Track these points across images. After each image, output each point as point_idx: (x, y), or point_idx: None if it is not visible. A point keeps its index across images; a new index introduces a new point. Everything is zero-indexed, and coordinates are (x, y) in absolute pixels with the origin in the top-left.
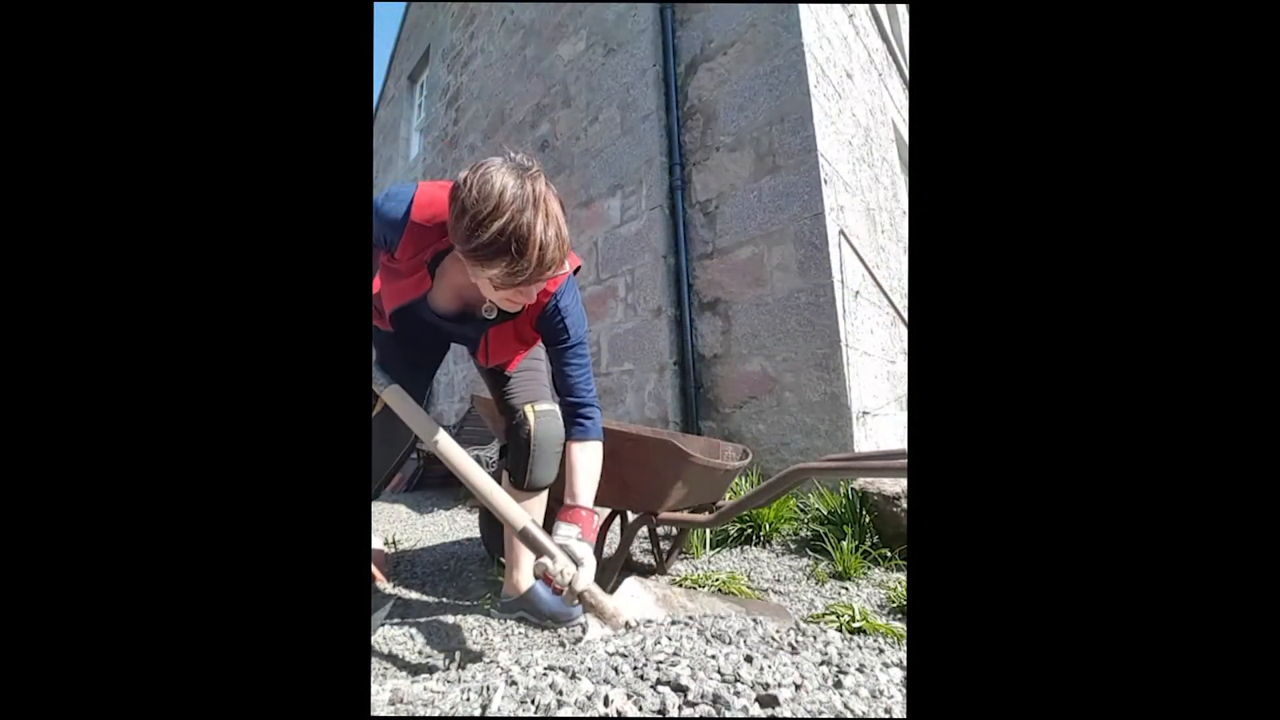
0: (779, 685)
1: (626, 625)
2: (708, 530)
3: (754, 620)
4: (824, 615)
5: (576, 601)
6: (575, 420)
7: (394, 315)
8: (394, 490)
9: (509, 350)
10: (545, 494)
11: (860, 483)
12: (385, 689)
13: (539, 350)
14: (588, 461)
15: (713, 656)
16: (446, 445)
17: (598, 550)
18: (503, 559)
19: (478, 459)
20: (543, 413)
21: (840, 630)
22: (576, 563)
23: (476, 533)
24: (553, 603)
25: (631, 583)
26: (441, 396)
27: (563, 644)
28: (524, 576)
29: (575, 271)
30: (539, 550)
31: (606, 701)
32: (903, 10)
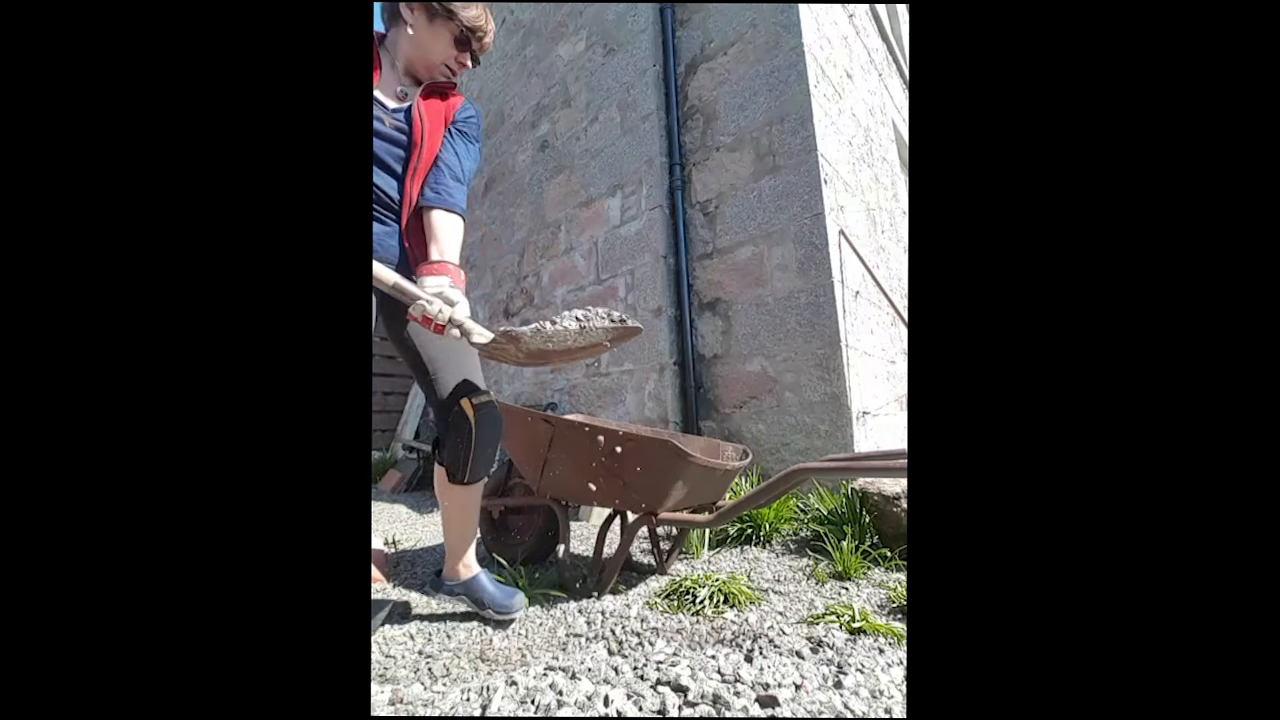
0: (779, 685)
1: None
2: (708, 530)
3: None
4: (824, 615)
5: (457, 334)
6: (436, 188)
7: None
8: (394, 490)
9: (433, 120)
10: (482, 483)
11: (860, 483)
12: (385, 689)
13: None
14: (449, 226)
15: (713, 656)
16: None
17: (596, 550)
18: (501, 559)
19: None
20: (481, 405)
21: (840, 630)
22: (451, 304)
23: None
24: (496, 594)
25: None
26: None
27: (564, 648)
28: (467, 564)
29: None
30: (413, 297)
31: (606, 701)
32: (903, 10)
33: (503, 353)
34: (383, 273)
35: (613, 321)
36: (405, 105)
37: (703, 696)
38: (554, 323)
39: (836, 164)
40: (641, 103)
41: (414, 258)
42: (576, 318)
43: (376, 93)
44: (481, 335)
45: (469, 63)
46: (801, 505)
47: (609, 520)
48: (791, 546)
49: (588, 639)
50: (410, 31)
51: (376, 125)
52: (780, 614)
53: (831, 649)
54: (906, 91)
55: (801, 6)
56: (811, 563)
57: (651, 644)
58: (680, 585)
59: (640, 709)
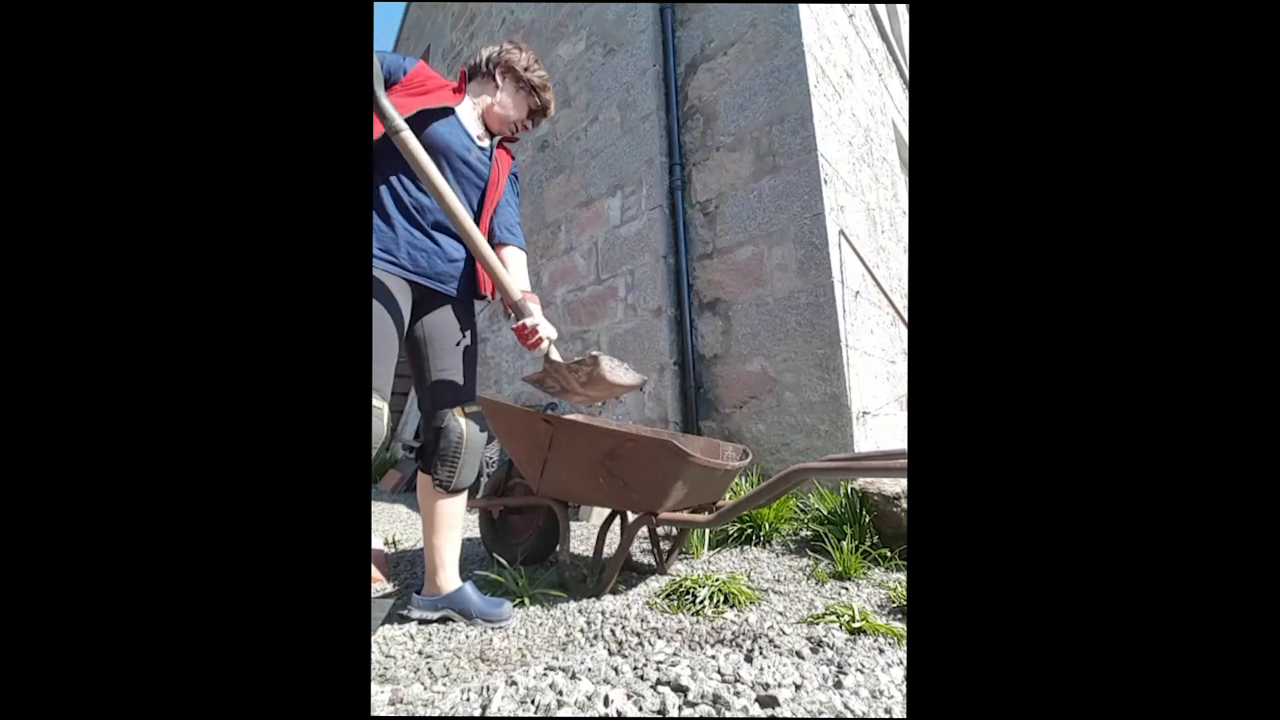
0: (779, 685)
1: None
2: (708, 530)
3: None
4: (824, 615)
5: (546, 346)
6: (513, 229)
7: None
8: (394, 490)
9: (503, 167)
10: (465, 494)
11: (860, 483)
12: (385, 689)
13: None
14: (523, 261)
15: (713, 656)
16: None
17: (596, 550)
18: (501, 559)
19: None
20: (473, 415)
21: (840, 630)
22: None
23: (476, 533)
24: (482, 605)
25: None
26: None
27: (564, 646)
28: (449, 577)
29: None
30: (529, 313)
31: (606, 701)
32: (903, 10)
33: (562, 378)
34: (510, 285)
35: (639, 376)
36: (488, 145)
37: (703, 696)
38: (615, 361)
39: (836, 164)
40: (641, 103)
41: (482, 281)
42: (626, 366)
43: (465, 122)
44: (557, 355)
45: (529, 127)
46: (801, 505)
47: (609, 520)
48: (791, 546)
49: (588, 639)
50: (499, 92)
51: (466, 154)
52: (780, 614)
53: (831, 649)
54: (906, 91)
55: (801, 6)
56: (811, 563)
57: (651, 644)
58: (680, 585)
59: (640, 709)
